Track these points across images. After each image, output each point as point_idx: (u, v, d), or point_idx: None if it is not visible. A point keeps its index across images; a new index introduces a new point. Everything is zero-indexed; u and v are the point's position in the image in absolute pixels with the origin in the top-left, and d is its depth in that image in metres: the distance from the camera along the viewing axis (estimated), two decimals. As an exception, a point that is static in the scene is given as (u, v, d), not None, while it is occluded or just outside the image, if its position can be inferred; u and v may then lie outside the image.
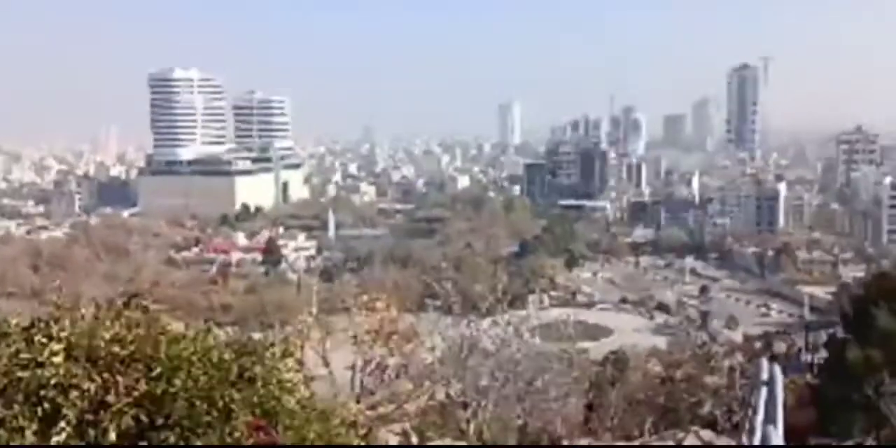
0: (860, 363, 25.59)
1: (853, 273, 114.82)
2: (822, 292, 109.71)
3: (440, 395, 19.05)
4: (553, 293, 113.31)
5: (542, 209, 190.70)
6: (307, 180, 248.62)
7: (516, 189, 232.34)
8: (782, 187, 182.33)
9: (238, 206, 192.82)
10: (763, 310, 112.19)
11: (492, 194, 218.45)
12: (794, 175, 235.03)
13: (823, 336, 59.57)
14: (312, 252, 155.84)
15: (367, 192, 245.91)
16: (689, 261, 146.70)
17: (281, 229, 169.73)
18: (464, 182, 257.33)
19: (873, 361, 25.03)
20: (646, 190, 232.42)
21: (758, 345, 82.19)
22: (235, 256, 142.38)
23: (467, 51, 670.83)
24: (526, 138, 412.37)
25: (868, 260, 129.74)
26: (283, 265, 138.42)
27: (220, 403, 4.24)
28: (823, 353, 43.22)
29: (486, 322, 21.31)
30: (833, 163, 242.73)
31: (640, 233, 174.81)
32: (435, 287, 24.61)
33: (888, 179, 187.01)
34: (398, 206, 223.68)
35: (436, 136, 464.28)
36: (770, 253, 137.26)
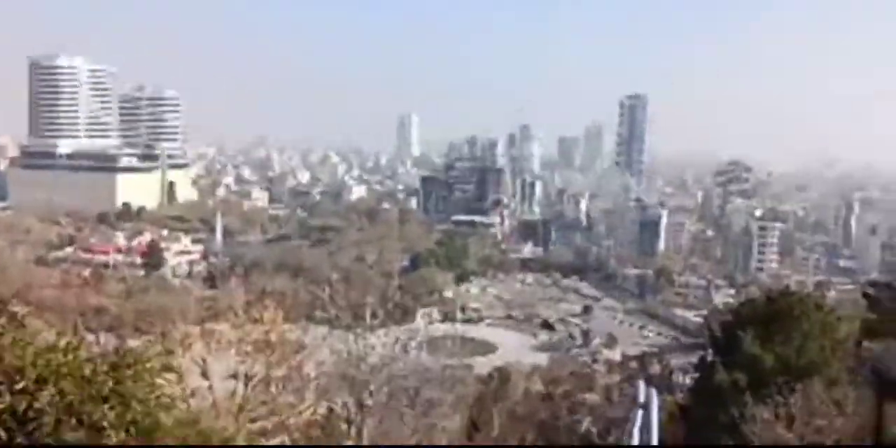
0: (727, 386, 27.03)
1: (724, 298, 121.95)
2: (694, 316, 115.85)
3: (325, 410, 18.69)
4: (442, 308, 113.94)
5: (436, 223, 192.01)
6: (195, 182, 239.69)
7: (412, 202, 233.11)
8: (664, 213, 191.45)
9: (119, 205, 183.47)
10: (641, 330, 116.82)
11: (387, 206, 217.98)
12: (675, 203, 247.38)
13: (694, 358, 62.71)
14: (197, 257, 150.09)
15: (259, 197, 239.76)
16: (574, 280, 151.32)
17: (164, 231, 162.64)
18: (360, 192, 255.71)
19: (739, 385, 26.51)
20: (537, 208, 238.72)
21: (634, 364, 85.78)
22: (113, 258, 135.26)
23: (369, 60, 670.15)
24: (424, 151, 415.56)
25: (738, 286, 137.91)
26: (165, 269, 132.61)
27: (91, 421, 3.91)
28: (694, 375, 45.35)
29: (374, 336, 21.11)
30: (711, 193, 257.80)
31: (530, 250, 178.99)
32: (324, 298, 24.19)
33: (758, 211, 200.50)
34: (290, 213, 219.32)
35: (333, 144, 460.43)
36: (650, 275, 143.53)
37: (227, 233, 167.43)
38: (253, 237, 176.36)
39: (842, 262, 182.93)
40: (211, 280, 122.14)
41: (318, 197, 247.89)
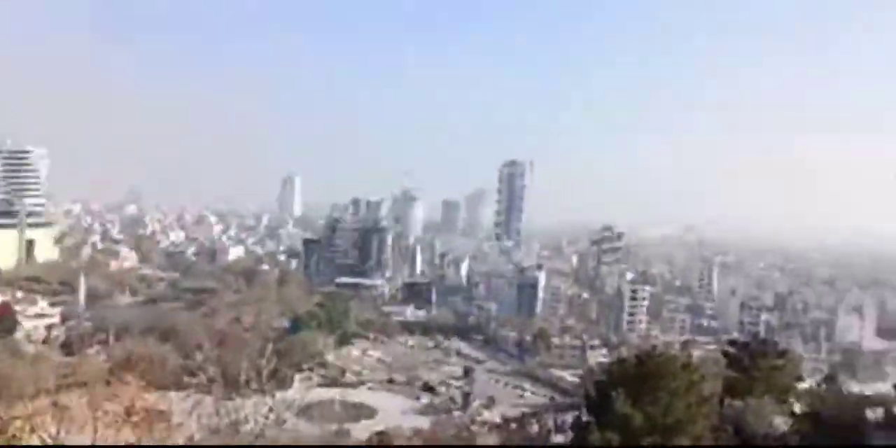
0: (600, 445, 27.68)
1: (598, 358, 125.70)
2: (570, 376, 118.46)
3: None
4: (322, 372, 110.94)
5: (317, 285, 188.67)
6: (59, 241, 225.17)
7: (293, 263, 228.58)
8: (542, 276, 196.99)
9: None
10: (520, 391, 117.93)
11: (266, 267, 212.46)
12: (552, 266, 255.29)
13: (570, 417, 63.87)
14: (55, 320, 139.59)
15: (129, 257, 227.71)
16: (456, 342, 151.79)
17: (19, 293, 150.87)
18: (237, 253, 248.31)
19: (611, 444, 27.22)
20: (420, 271, 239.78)
21: (513, 426, 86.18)
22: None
23: (252, 120, 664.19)
24: (307, 213, 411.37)
25: (611, 346, 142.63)
26: (19, 334, 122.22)
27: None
28: (571, 434, 46.12)
29: (249, 402, 20.31)
30: (586, 257, 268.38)
31: (412, 313, 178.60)
32: (195, 364, 23.13)
33: (629, 274, 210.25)
34: (162, 275, 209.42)
35: (211, 204, 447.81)
36: (528, 337, 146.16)
37: (91, 295, 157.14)
38: (120, 299, 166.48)
39: (705, 322, 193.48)
40: (69, 346, 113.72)
41: (192, 257, 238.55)
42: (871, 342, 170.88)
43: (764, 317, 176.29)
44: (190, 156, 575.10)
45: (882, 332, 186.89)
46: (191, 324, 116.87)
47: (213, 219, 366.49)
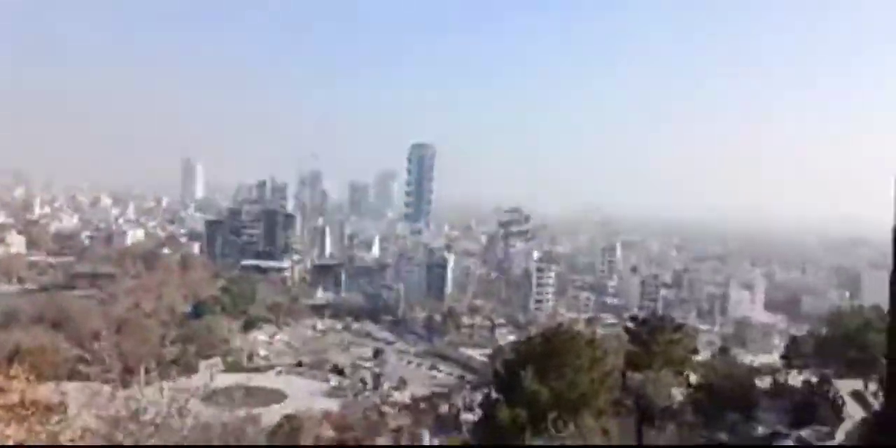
0: (508, 422, 28.21)
1: (507, 337, 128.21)
2: (479, 355, 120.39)
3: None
4: (228, 357, 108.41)
5: (222, 268, 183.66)
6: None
7: (195, 247, 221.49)
8: (451, 257, 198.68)
9: None
10: (430, 371, 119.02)
11: (167, 251, 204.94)
12: (461, 247, 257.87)
13: (480, 396, 64.97)
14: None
15: (16, 242, 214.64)
16: (366, 324, 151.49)
17: None
18: (137, 236, 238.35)
19: (519, 420, 27.78)
20: (328, 253, 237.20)
21: (424, 406, 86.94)
22: None
23: (151, 101, 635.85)
24: (210, 195, 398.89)
25: (519, 325, 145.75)
26: None
27: None
28: (480, 412, 46.90)
29: (150, 390, 19.52)
30: (494, 238, 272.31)
31: (321, 295, 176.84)
32: (91, 353, 21.99)
33: (536, 254, 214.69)
34: (53, 261, 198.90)
35: (107, 186, 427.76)
36: (438, 317, 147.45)
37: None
38: (7, 287, 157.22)
39: (608, 300, 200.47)
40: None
41: (86, 242, 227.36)
42: (761, 315, 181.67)
43: (662, 293, 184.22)
44: (83, 136, 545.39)
45: (770, 306, 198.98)
46: (86, 311, 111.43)
47: (108, 201, 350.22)
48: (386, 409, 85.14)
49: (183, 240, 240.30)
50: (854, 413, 28.52)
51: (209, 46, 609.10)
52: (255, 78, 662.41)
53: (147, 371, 19.88)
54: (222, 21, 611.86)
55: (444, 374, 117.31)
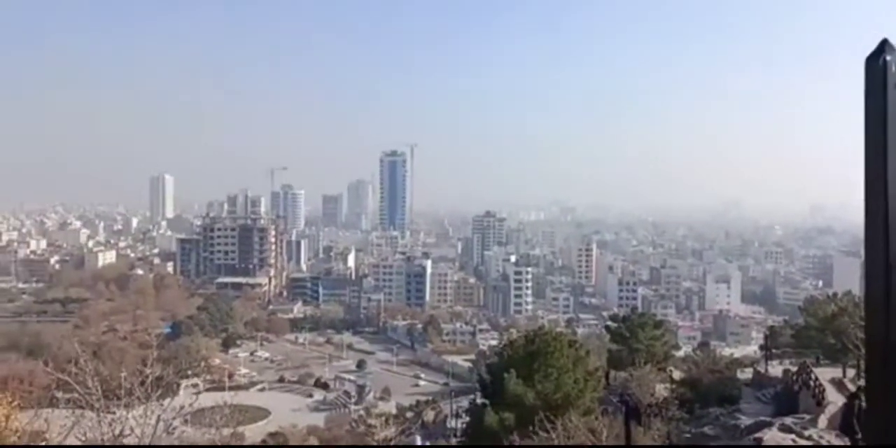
0: (495, 426, 28.22)
1: (489, 341, 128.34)
2: (462, 361, 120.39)
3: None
4: (208, 376, 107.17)
5: (197, 287, 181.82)
6: None
7: (169, 266, 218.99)
8: (429, 264, 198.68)
9: None
10: (414, 380, 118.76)
11: (140, 272, 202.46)
12: (438, 253, 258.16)
13: (465, 401, 64.95)
14: None
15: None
16: (347, 336, 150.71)
17: None
18: (108, 258, 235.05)
19: (506, 423, 27.81)
20: (305, 266, 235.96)
21: (410, 414, 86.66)
22: None
23: (115, 120, 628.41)
24: (181, 213, 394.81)
25: (500, 329, 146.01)
26: None
27: None
28: (467, 418, 46.84)
29: (132, 414, 19.22)
30: (470, 243, 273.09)
31: (300, 309, 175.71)
32: (68, 378, 21.59)
33: (513, 257, 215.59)
34: (24, 286, 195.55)
35: (74, 208, 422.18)
36: (419, 325, 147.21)
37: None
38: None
39: (587, 300, 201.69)
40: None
41: (57, 266, 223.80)
42: (738, 308, 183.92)
43: (640, 290, 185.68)
44: (46, 158, 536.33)
45: (747, 298, 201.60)
46: (60, 337, 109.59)
47: (77, 224, 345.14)
48: (371, 420, 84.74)
49: (156, 260, 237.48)
50: (834, 399, 28.95)
51: (169, 55, 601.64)
52: (219, 89, 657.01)
53: (129, 394, 19.55)
54: (185, 27, 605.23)
55: (429, 382, 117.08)
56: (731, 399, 37.91)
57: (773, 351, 53.49)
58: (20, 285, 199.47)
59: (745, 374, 48.68)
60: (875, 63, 2.21)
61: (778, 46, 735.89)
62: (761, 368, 47.74)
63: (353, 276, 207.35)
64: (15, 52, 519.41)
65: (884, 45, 2.23)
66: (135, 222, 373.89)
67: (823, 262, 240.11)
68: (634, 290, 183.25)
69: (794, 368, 41.16)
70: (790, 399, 34.45)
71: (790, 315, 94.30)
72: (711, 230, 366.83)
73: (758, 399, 38.37)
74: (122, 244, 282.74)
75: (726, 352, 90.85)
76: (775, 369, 45.50)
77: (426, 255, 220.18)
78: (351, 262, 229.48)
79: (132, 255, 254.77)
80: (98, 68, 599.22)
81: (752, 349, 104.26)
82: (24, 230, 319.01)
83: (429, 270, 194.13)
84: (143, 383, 21.31)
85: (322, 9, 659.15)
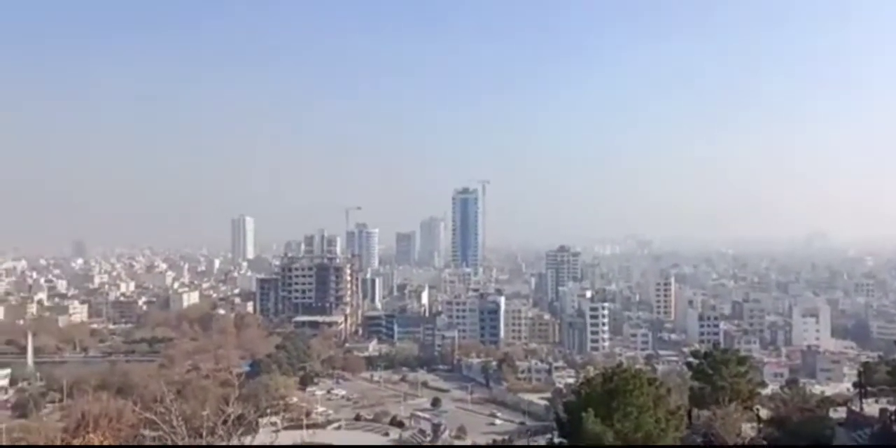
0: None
1: (565, 379, 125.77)
2: (538, 399, 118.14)
3: None
4: (287, 414, 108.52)
5: (275, 326, 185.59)
6: (2, 300, 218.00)
7: (249, 306, 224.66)
8: (502, 301, 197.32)
9: None
10: (490, 419, 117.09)
11: (222, 311, 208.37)
12: (511, 290, 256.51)
13: (542, 441, 63.64)
14: (4, 383, 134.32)
15: (78, 311, 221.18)
16: (422, 373, 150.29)
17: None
18: (192, 299, 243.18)
19: (585, 463, 27.12)
20: (379, 304, 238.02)
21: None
22: None
23: (196, 165, 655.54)
24: (260, 253, 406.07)
25: (576, 366, 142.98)
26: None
27: None
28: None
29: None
30: (544, 278, 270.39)
31: (375, 347, 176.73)
32: (153, 416, 22.37)
33: (588, 293, 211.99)
34: (114, 327, 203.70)
35: (161, 251, 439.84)
36: (494, 363, 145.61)
37: (40, 353, 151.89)
38: (71, 356, 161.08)
39: (666, 335, 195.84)
40: (21, 407, 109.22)
41: (144, 307, 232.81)
42: (828, 343, 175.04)
43: (722, 325, 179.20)
44: (133, 204, 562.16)
45: (837, 333, 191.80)
46: (147, 375, 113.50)
47: (163, 266, 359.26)
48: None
49: (237, 300, 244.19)
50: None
51: (243, 98, 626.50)
52: (293, 130, 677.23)
53: (212, 432, 20.16)
54: (255, 71, 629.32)
55: (505, 421, 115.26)
56: (823, 439, 36.02)
57: (868, 388, 50.66)
58: (111, 326, 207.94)
59: (838, 413, 46.24)
60: None
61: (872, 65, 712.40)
62: (856, 407, 45.26)
63: (427, 314, 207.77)
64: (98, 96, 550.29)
65: None
66: (217, 263, 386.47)
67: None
68: (716, 325, 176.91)
69: (893, 407, 38.89)
70: (889, 440, 32.53)
71: (885, 350, 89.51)
72: (796, 262, 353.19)
73: (853, 440, 36.35)
74: (205, 285, 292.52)
75: (817, 389, 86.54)
76: (871, 408, 43.07)
77: (499, 292, 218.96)
78: (425, 299, 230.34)
79: (214, 295, 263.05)
80: (178, 115, 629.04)
81: (844, 387, 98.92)
82: (114, 273, 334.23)
83: (502, 307, 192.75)
84: (225, 422, 21.89)
85: (386, 44, 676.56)
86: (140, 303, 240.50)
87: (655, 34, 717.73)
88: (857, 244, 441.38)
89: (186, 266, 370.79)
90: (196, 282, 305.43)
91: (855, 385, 57.60)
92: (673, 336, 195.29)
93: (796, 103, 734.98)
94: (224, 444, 19.92)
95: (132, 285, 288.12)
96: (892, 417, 36.48)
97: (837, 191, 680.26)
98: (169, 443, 20.07)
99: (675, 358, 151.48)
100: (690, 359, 62.33)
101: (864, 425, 38.42)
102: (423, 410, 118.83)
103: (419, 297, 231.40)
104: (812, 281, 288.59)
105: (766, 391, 64.92)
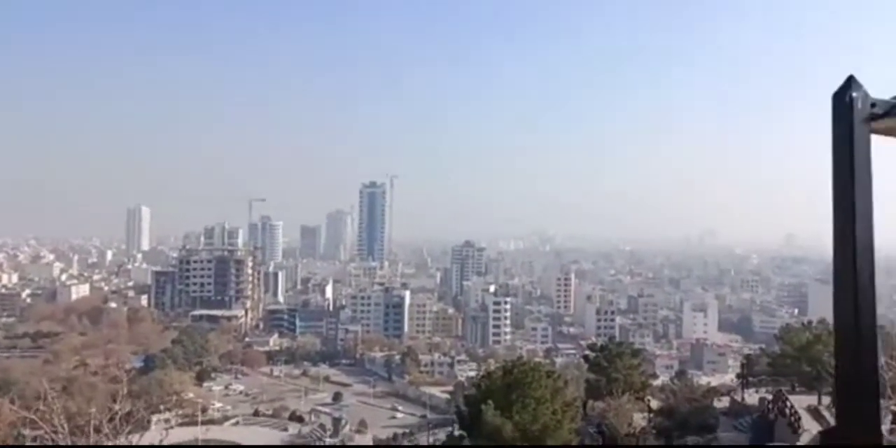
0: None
1: (467, 372, 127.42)
2: (440, 392, 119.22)
3: None
4: (181, 411, 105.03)
5: (172, 320, 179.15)
6: None
7: (143, 299, 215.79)
8: (407, 295, 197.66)
9: None
10: (391, 412, 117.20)
11: (114, 305, 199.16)
12: (417, 284, 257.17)
13: (443, 434, 64.23)
14: None
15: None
16: (324, 368, 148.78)
17: None
18: (81, 291, 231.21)
19: (484, 454, 27.50)
20: (282, 298, 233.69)
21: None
22: None
23: (87, 152, 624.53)
24: (156, 245, 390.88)
25: (478, 360, 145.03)
26: None
27: None
28: (444, 451, 46.30)
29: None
30: (449, 273, 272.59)
31: (276, 341, 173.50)
32: (33, 416, 21.10)
33: (492, 287, 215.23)
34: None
35: (47, 242, 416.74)
36: (397, 357, 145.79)
37: None
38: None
39: (565, 329, 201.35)
40: None
41: (28, 300, 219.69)
42: (715, 337, 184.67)
43: (618, 319, 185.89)
44: (15, 192, 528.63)
45: (724, 327, 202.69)
46: (29, 372, 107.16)
47: (50, 257, 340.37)
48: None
49: (130, 293, 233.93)
50: (810, 427, 29.08)
51: (147, 87, 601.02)
52: (196, 120, 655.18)
53: (97, 430, 19.17)
54: (161, 61, 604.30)
55: (406, 414, 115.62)
56: (708, 428, 37.89)
57: (750, 379, 53.66)
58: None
59: (723, 402, 48.75)
60: (842, 99, 2.33)
61: (753, 79, 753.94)
62: (738, 397, 47.83)
63: (331, 308, 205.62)
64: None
65: (850, 81, 2.34)
66: (110, 255, 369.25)
67: (799, 290, 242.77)
68: (612, 320, 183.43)
69: (771, 396, 41.32)
70: (766, 427, 34.52)
71: (766, 343, 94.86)
72: (688, 259, 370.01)
73: (734, 428, 38.41)
74: (96, 277, 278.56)
75: (703, 380, 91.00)
76: (752, 397, 45.63)
77: (405, 286, 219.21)
78: (329, 293, 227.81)
79: (106, 288, 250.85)
80: (73, 98, 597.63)
81: (729, 377, 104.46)
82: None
83: (407, 301, 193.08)
84: (111, 420, 20.89)
85: (299, 36, 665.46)
86: (24, 295, 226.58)
87: (541, 40, 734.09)
88: (744, 243, 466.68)
89: (76, 257, 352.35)
90: (86, 274, 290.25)
91: (738, 376, 60.92)
92: (572, 329, 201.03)
93: (684, 106, 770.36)
94: (110, 443, 19.00)
95: (15, 277, 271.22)
96: (770, 406, 38.76)
97: (726, 194, 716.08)
98: (49, 442, 18.97)
99: (573, 351, 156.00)
100: (587, 352, 64.39)
101: (744, 413, 40.66)
102: (324, 405, 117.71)
103: (323, 291, 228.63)
104: (703, 277, 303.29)
105: (658, 382, 67.82)
